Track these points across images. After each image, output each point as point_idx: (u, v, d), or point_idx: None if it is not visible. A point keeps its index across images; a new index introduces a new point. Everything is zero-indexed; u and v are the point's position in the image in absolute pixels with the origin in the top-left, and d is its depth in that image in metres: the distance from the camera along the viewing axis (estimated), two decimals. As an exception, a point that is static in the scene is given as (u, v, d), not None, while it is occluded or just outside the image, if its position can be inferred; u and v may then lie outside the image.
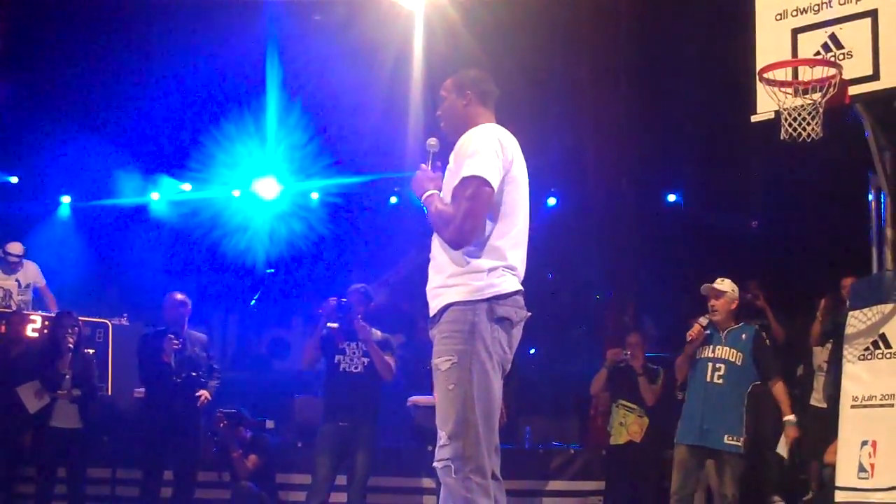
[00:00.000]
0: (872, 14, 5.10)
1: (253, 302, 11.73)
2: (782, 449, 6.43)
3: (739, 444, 6.19)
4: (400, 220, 11.30)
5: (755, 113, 5.48)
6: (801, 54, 5.30)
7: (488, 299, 3.53)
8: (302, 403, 9.12)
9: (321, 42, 10.43)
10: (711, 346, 6.42)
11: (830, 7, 5.25)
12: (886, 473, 5.07)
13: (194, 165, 11.37)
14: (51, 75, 10.72)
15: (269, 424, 8.63)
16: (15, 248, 9.40)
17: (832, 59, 5.15)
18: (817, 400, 7.70)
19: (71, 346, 7.53)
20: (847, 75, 5.10)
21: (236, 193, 11.84)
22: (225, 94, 11.11)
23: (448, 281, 3.59)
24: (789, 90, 5.16)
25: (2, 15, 10.62)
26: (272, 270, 11.81)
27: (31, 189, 11.68)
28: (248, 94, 11.17)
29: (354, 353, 7.04)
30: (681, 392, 6.88)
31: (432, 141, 3.82)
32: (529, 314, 3.68)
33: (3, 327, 8.49)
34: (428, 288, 3.69)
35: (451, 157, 3.70)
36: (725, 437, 6.19)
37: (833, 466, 5.52)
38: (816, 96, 5.07)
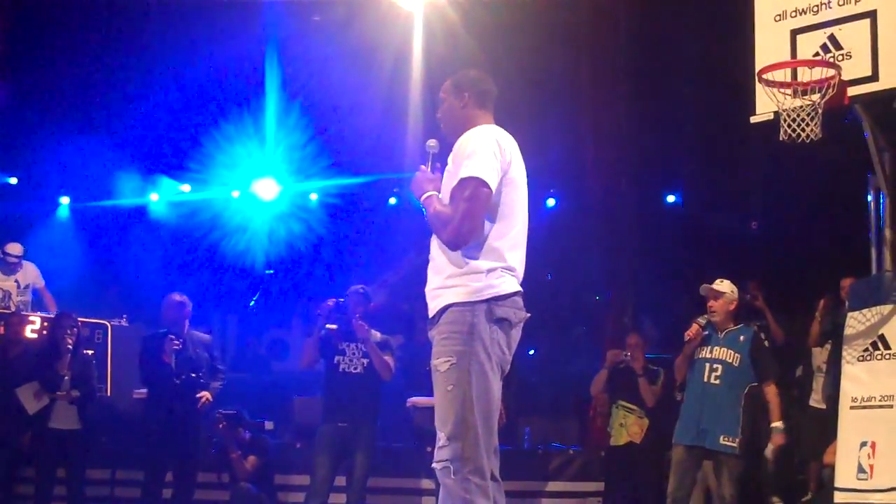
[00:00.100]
0: (871, 15, 5.10)
1: (252, 303, 11.73)
2: (768, 453, 6.40)
3: (735, 444, 6.17)
4: (399, 221, 11.30)
5: (754, 114, 5.48)
6: (801, 55, 5.31)
7: (487, 300, 3.53)
8: (301, 404, 9.12)
9: (320, 43, 10.44)
10: (709, 347, 6.41)
11: (829, 8, 5.25)
12: (885, 474, 5.07)
13: (193, 166, 11.37)
14: (50, 76, 10.72)
15: (269, 425, 8.61)
16: (14, 248, 9.39)
17: (831, 59, 5.15)
18: (816, 401, 7.70)
19: (70, 347, 7.52)
20: (846, 76, 5.10)
21: (235, 194, 11.84)
22: (224, 95, 11.11)
23: (447, 282, 3.58)
24: (788, 91, 5.16)
25: (1, 16, 10.62)
26: (271, 271, 11.81)
27: (31, 190, 11.66)
28: (247, 94, 11.18)
29: (354, 353, 7.04)
30: (680, 393, 6.88)
31: (432, 142, 3.82)
32: (528, 315, 3.68)
33: (2, 328, 8.47)
34: (427, 289, 3.69)
35: (450, 159, 3.70)
36: (721, 437, 6.18)
37: (832, 467, 5.53)
38: (815, 97, 5.07)
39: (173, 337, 7.30)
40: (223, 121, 11.15)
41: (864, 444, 5.19)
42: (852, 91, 5.13)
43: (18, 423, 7.50)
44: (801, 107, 5.09)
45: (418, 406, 8.01)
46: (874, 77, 5.07)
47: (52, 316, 8.46)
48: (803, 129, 5.07)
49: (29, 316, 8.81)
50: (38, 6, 10.44)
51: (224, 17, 10.07)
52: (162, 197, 12.03)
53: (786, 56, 5.33)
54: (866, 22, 5.12)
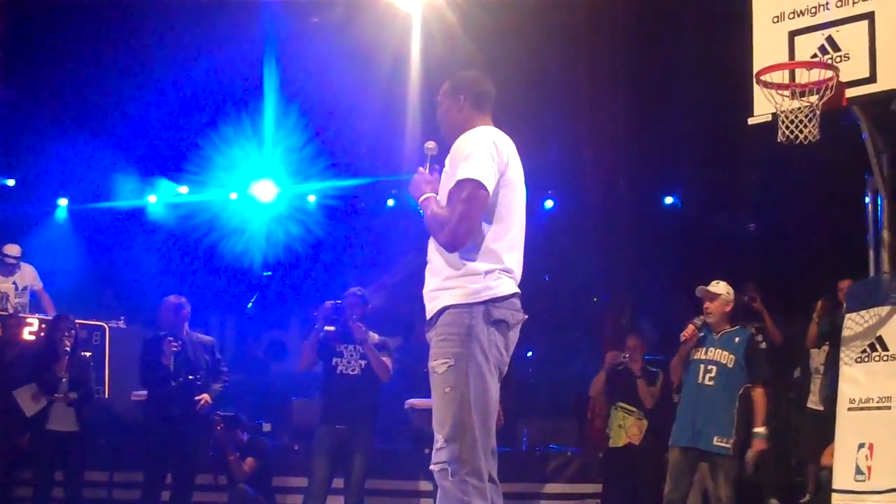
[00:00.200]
0: (869, 17, 5.11)
1: (249, 307, 11.72)
2: (749, 458, 6.35)
3: (729, 445, 6.16)
4: (397, 222, 11.29)
5: (752, 115, 5.48)
6: (798, 57, 5.31)
7: (485, 302, 3.52)
8: (299, 406, 9.11)
9: (318, 44, 10.44)
10: (704, 348, 6.41)
11: (827, 9, 5.26)
12: (883, 476, 5.07)
13: (191, 168, 11.36)
14: (48, 78, 10.72)
15: (266, 427, 8.62)
16: (12, 250, 9.39)
17: (829, 61, 5.15)
18: (814, 402, 7.70)
19: (68, 349, 7.52)
20: (844, 78, 5.11)
21: (233, 196, 11.82)
22: (222, 96, 11.11)
23: (444, 284, 3.58)
24: (786, 92, 5.17)
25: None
26: (269, 273, 11.80)
27: (29, 191, 11.64)
28: (245, 96, 11.17)
29: (352, 355, 7.03)
30: (677, 395, 6.88)
31: (430, 144, 3.82)
32: (526, 317, 3.67)
33: (0, 330, 8.47)
34: (424, 291, 3.69)
35: (447, 161, 3.70)
36: (715, 438, 6.17)
37: (830, 469, 5.53)
38: (813, 99, 5.07)
39: (171, 339, 7.30)
40: (221, 122, 11.14)
41: (861, 445, 5.19)
42: (850, 92, 5.13)
43: (16, 425, 7.50)
44: (799, 108, 5.10)
45: (416, 408, 8.00)
46: (872, 78, 5.08)
47: (49, 318, 8.45)
48: (801, 131, 5.07)
49: (27, 318, 8.80)
50: (36, 8, 10.43)
51: (222, 19, 10.06)
52: (160, 199, 12.02)
53: (784, 57, 5.34)
54: (864, 24, 5.12)
